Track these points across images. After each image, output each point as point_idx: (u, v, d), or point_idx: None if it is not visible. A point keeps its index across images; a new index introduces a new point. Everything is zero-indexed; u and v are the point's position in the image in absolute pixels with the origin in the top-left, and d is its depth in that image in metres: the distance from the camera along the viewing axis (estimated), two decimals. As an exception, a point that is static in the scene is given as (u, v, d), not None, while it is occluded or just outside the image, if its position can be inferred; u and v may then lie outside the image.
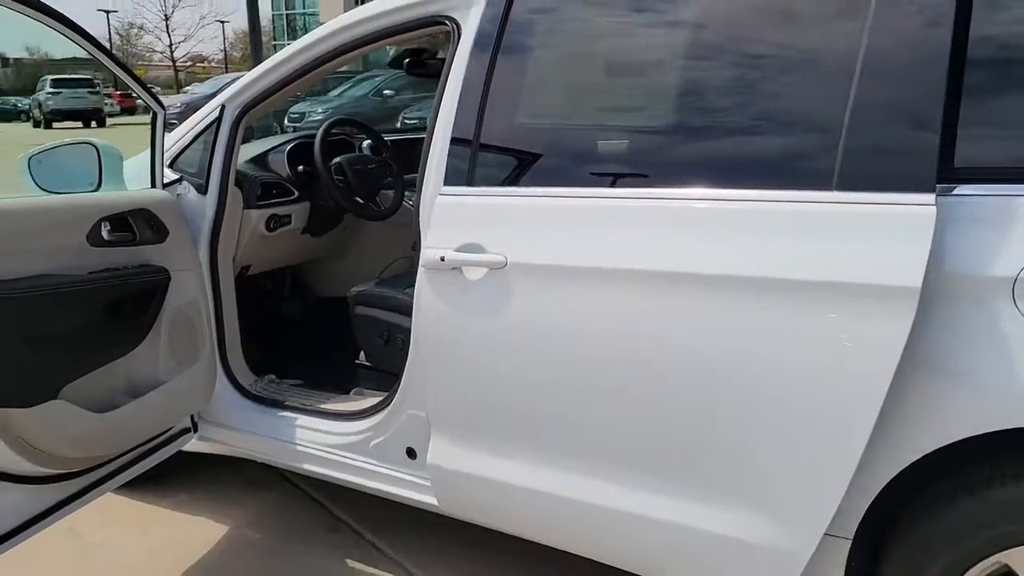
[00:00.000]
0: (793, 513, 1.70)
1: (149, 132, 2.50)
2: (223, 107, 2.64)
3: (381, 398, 2.42)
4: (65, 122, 27.61)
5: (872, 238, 1.57)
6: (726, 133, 1.80)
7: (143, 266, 2.31)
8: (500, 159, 2.12)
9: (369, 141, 3.30)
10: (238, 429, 2.68)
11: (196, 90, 21.88)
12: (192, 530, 2.77)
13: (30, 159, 2.40)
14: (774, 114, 1.74)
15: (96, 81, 29.11)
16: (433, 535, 2.63)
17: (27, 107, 32.40)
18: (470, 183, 2.08)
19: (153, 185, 2.51)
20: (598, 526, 1.97)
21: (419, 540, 2.65)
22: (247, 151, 3.10)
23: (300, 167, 3.07)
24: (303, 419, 2.59)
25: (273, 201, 2.96)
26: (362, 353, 2.77)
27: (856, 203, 1.59)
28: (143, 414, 2.30)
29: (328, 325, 3.12)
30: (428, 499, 2.31)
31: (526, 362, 1.97)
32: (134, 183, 2.54)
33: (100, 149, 2.44)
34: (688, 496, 1.82)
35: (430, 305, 2.10)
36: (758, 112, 1.76)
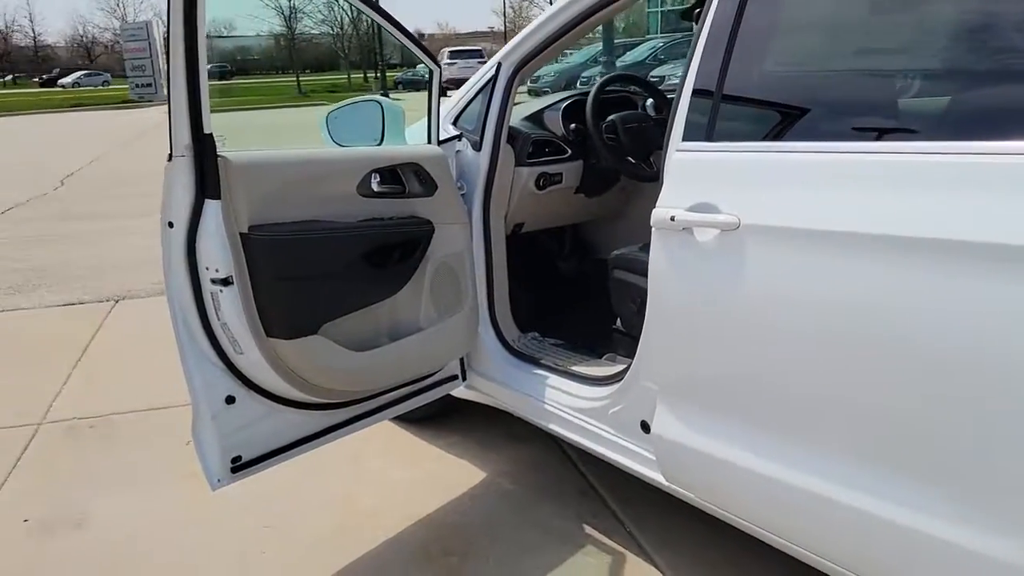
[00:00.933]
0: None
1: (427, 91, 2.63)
2: (499, 64, 2.68)
3: (625, 365, 2.33)
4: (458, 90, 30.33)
5: None
6: None
7: (409, 217, 2.44)
8: (745, 111, 1.89)
9: (652, 100, 3.16)
10: (497, 381, 2.75)
11: (571, 59, 22.89)
12: (455, 470, 2.92)
13: (328, 116, 2.65)
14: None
15: (484, 52, 31.69)
16: (677, 514, 2.49)
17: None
18: (709, 138, 1.89)
19: (429, 141, 2.63)
20: (834, 525, 1.70)
21: (660, 519, 2.53)
22: (528, 109, 3.14)
23: (573, 125, 3.04)
24: (553, 379, 2.59)
25: (544, 159, 2.96)
26: (619, 319, 2.69)
27: None
28: (401, 357, 2.45)
29: (599, 287, 3.08)
30: (657, 476, 2.18)
31: (755, 334, 1.76)
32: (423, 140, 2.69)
33: (384, 106, 2.62)
34: (949, 504, 1.49)
35: (659, 268, 1.96)
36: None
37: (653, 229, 1.97)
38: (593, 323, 2.84)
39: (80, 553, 2.51)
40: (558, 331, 2.95)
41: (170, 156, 2.00)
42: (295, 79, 42.80)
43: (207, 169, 2.00)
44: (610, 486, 2.73)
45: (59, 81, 58.77)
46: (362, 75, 47.69)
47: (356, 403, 2.46)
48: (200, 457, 2.14)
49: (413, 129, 2.82)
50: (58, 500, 2.80)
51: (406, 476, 2.90)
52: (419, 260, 2.46)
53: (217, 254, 2.03)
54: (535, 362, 2.70)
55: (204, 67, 1.97)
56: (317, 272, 2.18)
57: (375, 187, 2.42)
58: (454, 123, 2.88)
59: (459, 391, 2.87)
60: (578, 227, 3.55)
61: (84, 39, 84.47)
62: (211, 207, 2.02)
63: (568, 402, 2.49)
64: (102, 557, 2.49)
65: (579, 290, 3.20)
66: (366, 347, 2.35)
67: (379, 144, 2.62)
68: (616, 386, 2.31)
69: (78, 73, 60.69)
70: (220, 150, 2.03)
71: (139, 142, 17.35)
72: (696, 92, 1.91)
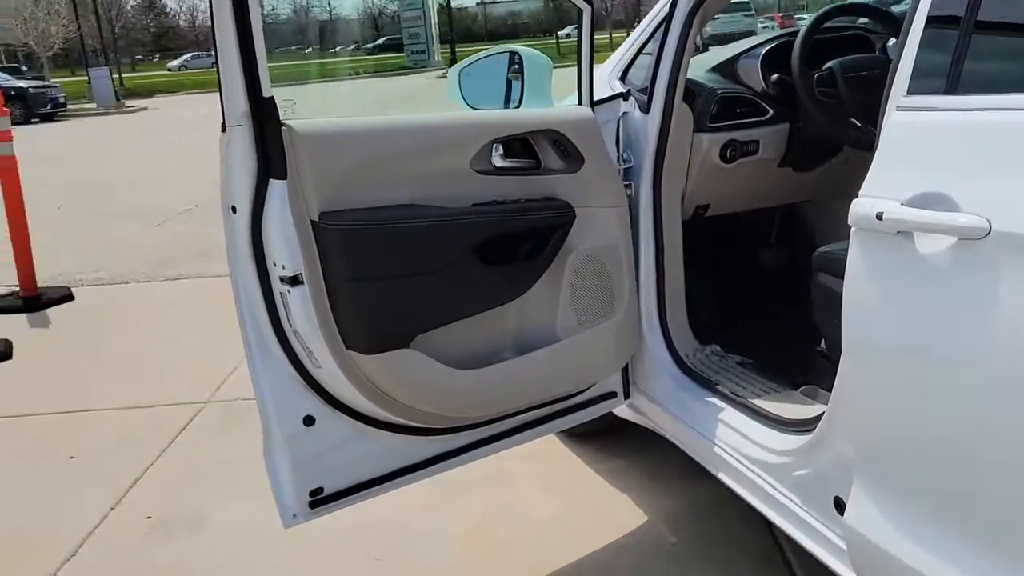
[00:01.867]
0: None
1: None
2: (674, 1, 2.07)
3: (823, 410, 1.68)
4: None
5: None
6: None
7: (542, 200, 1.92)
8: (1015, 46, 1.18)
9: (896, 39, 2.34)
10: (660, 404, 2.18)
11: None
12: (611, 507, 2.39)
13: (460, 71, 2.19)
14: None
15: (751, 5, 29.58)
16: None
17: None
18: (949, 88, 1.20)
19: (580, 101, 2.08)
20: None
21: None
22: (715, 57, 2.46)
23: (776, 76, 2.31)
24: (729, 412, 1.98)
25: (733, 123, 2.29)
26: (823, 339, 2.00)
27: None
28: (528, 376, 1.95)
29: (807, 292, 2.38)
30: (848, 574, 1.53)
31: (1010, 398, 1.08)
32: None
33: (525, 59, 2.11)
34: None
35: (859, 286, 1.32)
36: None
37: (852, 229, 1.31)
38: (794, 338, 2.17)
39: (180, 563, 2.29)
40: (747, 346, 2.30)
41: (224, 126, 1.63)
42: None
43: (269, 141, 1.62)
44: (807, 559, 2.07)
45: (168, 64, 53.60)
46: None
47: (477, 426, 2.01)
48: (272, 488, 1.79)
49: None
50: (187, 497, 2.62)
51: (551, 508, 2.41)
52: (553, 254, 1.94)
53: (283, 247, 1.65)
54: (710, 386, 2.09)
55: (258, 15, 1.57)
56: (410, 270, 1.74)
57: (497, 162, 1.93)
58: (622, 78, 2.31)
59: (620, 410, 2.33)
60: (790, 210, 2.81)
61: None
62: (276, 189, 1.64)
63: (743, 448, 1.88)
64: (199, 571, 2.25)
65: (782, 294, 2.51)
66: (480, 363, 1.88)
67: (517, 106, 2.11)
68: (807, 437, 1.67)
69: (186, 55, 54.38)
70: (285, 118, 1.64)
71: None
72: (933, 20, 1.23)
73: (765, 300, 2.64)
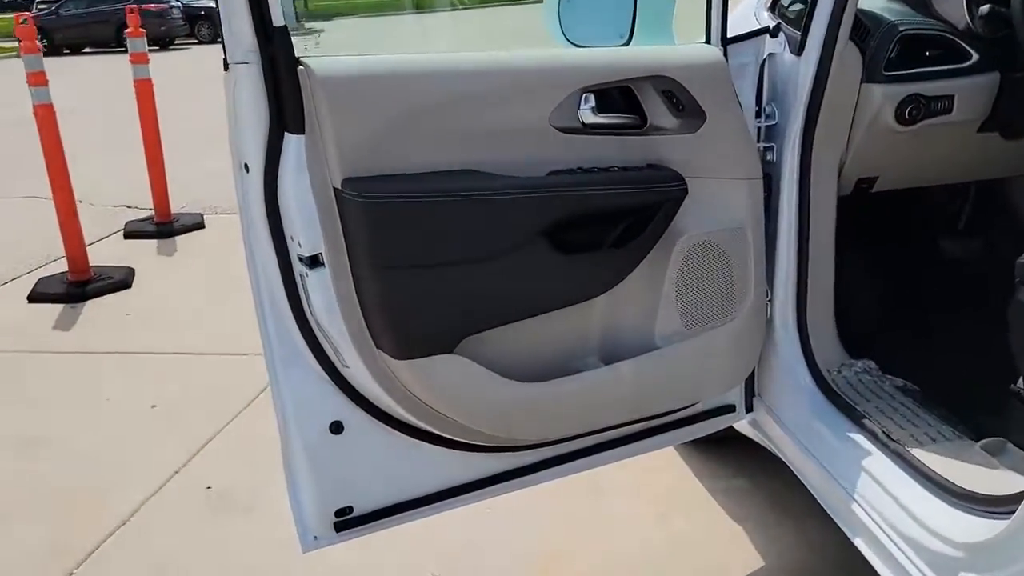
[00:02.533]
0: None
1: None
2: None
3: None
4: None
5: None
6: None
7: (646, 168, 1.48)
8: None
9: None
10: (787, 430, 1.72)
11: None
12: (717, 541, 1.96)
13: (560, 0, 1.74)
14: None
15: None
16: None
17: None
18: None
19: (707, 39, 1.59)
20: None
21: None
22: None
23: (988, 7, 1.68)
24: (877, 460, 1.50)
25: (920, 71, 1.71)
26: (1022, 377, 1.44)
27: None
28: (613, 390, 1.54)
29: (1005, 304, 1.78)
30: None
31: None
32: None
33: (639, -19, 1.63)
34: None
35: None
36: None
37: None
38: (980, 366, 1.62)
39: (226, 546, 2.08)
40: (913, 367, 1.77)
41: (226, 63, 1.29)
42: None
43: (282, 84, 1.26)
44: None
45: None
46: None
47: (550, 443, 1.63)
48: (291, 504, 1.50)
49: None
50: (251, 470, 2.41)
51: (644, 534, 2.01)
52: (655, 238, 1.51)
53: (299, 220, 1.31)
54: (855, 418, 1.61)
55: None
56: (461, 256, 1.36)
57: (587, 117, 1.49)
58: (772, 7, 1.79)
59: (741, 425, 1.88)
60: (989, 189, 2.18)
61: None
62: (291, 145, 1.30)
63: (893, 517, 1.40)
64: (242, 559, 2.03)
65: (968, 301, 1.91)
66: (550, 374, 1.49)
67: (626, 43, 1.65)
68: (997, 525, 1.19)
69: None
70: (304, 55, 1.28)
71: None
72: None
73: (943, 308, 2.06)
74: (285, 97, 1.28)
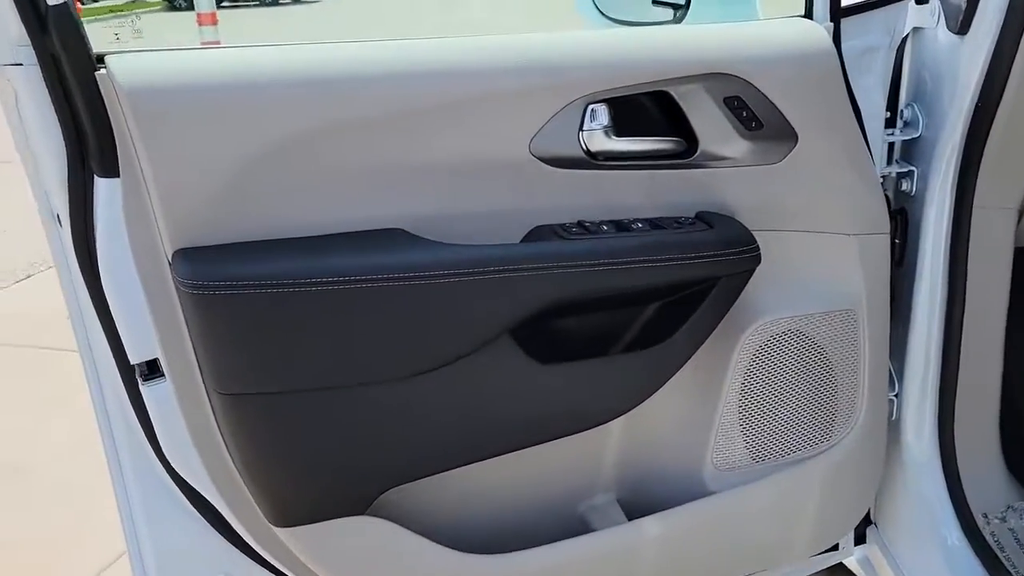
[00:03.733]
0: None
1: None
2: None
3: None
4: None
5: None
6: None
7: (694, 222, 0.94)
8: None
9: None
10: None
11: None
12: None
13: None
14: None
15: None
16: None
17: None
18: None
19: (808, 10, 1.00)
20: None
21: None
22: None
23: None
24: None
25: None
26: None
27: None
28: (634, 561, 1.02)
29: None
30: None
31: None
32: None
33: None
34: None
35: None
36: None
37: None
38: None
39: None
40: None
41: None
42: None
43: (72, 98, 0.80)
44: None
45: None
46: None
47: None
48: None
49: None
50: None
51: None
52: (706, 329, 0.96)
53: (119, 308, 0.85)
54: None
55: None
56: (373, 373, 0.87)
57: (596, 141, 0.94)
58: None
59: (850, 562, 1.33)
60: None
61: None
62: (101, 193, 0.83)
63: None
64: None
65: None
66: (534, 536, 0.98)
67: (678, 19, 1.09)
68: None
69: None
70: (109, 49, 0.82)
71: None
72: None
73: None
74: (81, 119, 0.81)
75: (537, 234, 0.91)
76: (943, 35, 1.07)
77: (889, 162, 1.13)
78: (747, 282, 0.96)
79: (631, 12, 1.16)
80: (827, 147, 0.98)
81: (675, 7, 1.11)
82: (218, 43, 4.37)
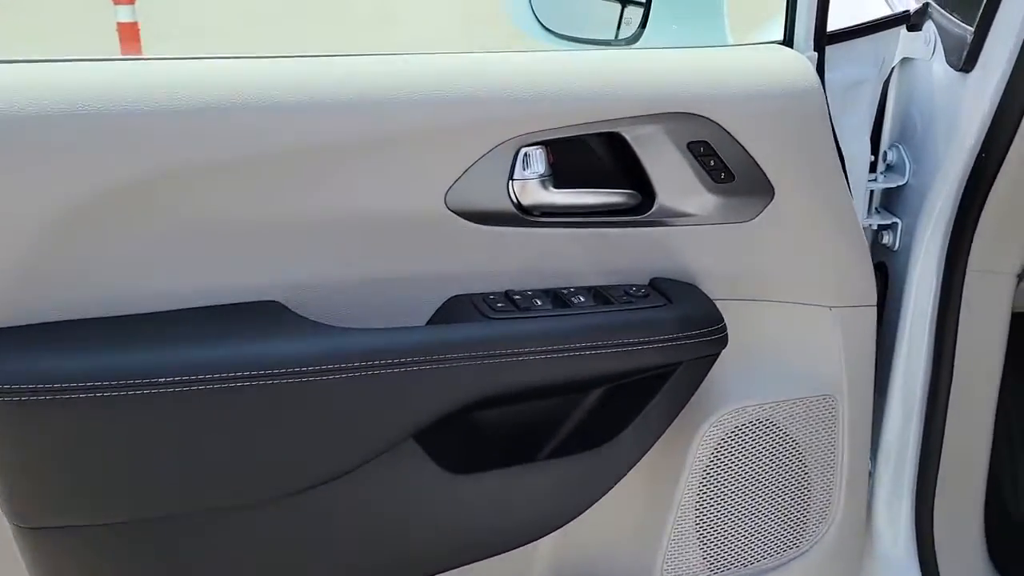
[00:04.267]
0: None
1: None
2: None
3: None
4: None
5: None
6: None
7: (647, 292, 0.76)
8: None
9: None
10: None
11: None
12: None
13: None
14: None
15: None
16: None
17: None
18: None
19: (786, 37, 0.83)
20: None
21: None
22: None
23: None
24: None
25: None
26: None
27: None
28: None
29: None
30: None
31: None
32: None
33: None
34: None
35: None
36: None
37: None
38: None
39: None
40: None
41: None
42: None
43: None
44: None
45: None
46: None
47: None
48: None
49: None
50: None
51: None
52: (661, 423, 0.79)
53: None
54: None
55: None
56: (247, 494, 0.67)
57: (530, 194, 0.76)
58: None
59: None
60: None
61: None
62: None
63: None
64: None
65: None
66: None
67: (635, 37, 0.92)
68: None
69: None
70: None
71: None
72: None
73: None
74: None
75: (454, 307, 0.73)
76: (939, 69, 0.91)
77: (869, 211, 0.98)
78: (710, 368, 0.79)
79: (578, 26, 0.97)
80: (808, 203, 0.82)
81: (627, 24, 0.93)
82: (136, 25, 4.06)
